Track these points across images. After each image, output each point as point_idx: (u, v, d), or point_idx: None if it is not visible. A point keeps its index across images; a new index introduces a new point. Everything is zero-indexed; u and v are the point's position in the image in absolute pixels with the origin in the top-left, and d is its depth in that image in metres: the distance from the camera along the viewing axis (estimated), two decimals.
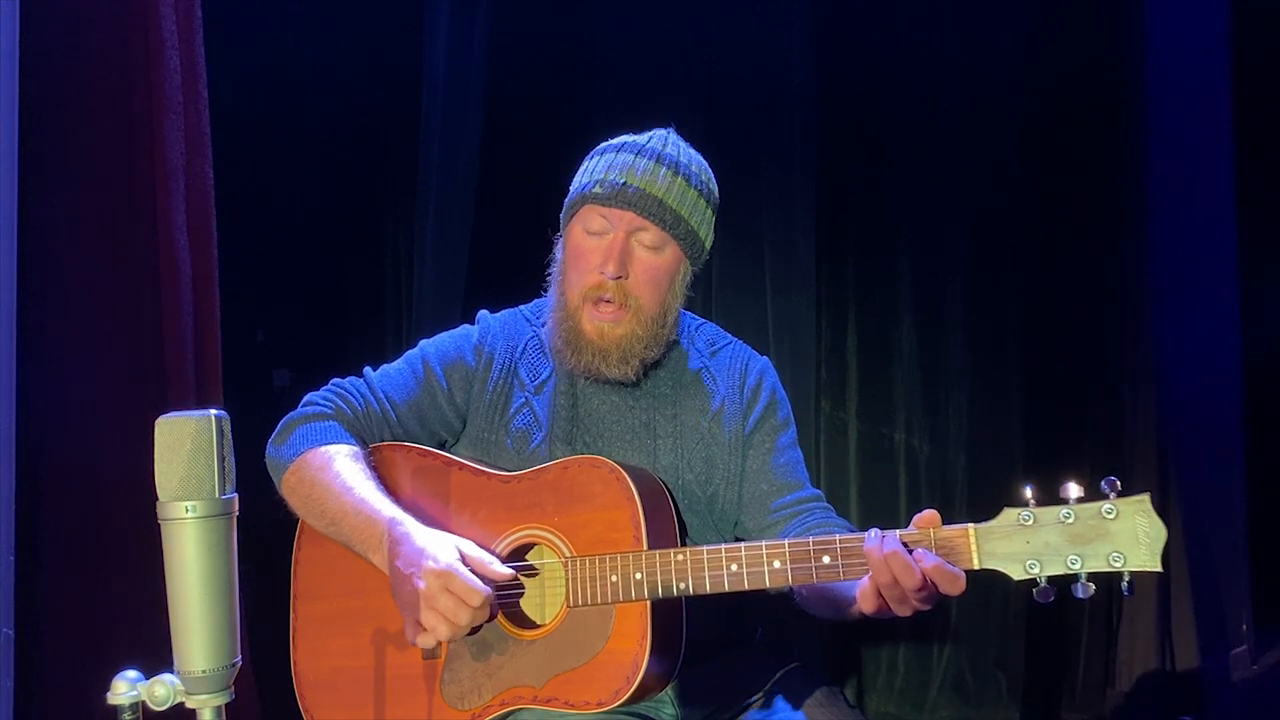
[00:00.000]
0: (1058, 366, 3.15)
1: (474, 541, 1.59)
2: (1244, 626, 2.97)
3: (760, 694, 1.72)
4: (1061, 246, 3.14)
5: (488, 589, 1.50)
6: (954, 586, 1.38)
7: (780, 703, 1.69)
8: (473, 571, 1.51)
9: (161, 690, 1.08)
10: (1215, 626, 2.96)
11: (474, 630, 1.54)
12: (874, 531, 1.42)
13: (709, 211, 1.78)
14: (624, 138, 1.80)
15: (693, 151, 1.79)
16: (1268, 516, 3.00)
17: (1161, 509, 1.35)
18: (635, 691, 1.51)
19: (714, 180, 1.80)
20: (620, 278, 1.69)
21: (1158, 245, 3.00)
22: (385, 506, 1.62)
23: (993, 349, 3.18)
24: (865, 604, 1.44)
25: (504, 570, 1.56)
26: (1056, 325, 3.15)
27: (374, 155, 3.30)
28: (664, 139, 1.77)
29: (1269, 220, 3.01)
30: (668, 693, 1.67)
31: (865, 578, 1.43)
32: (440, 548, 1.53)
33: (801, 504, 1.77)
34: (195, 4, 2.25)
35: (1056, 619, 3.15)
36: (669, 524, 1.62)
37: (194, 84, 2.25)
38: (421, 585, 1.49)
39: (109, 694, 1.08)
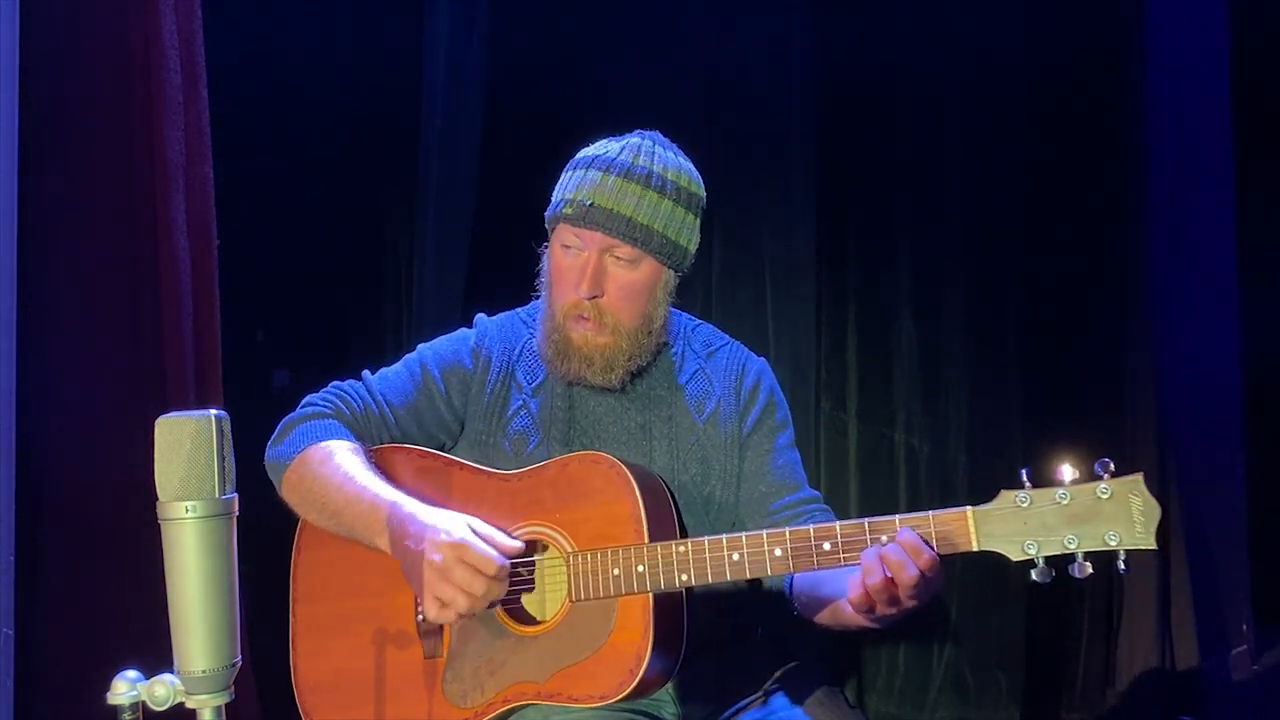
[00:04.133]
0: (1058, 367, 3.15)
1: None
2: (1244, 626, 2.96)
3: (760, 693, 1.72)
4: (1062, 246, 3.14)
5: (503, 559, 1.50)
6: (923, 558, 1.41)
7: (780, 702, 1.69)
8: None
9: (161, 690, 1.08)
10: (1215, 626, 2.95)
11: (491, 604, 1.53)
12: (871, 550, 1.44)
13: (689, 216, 1.75)
14: (598, 148, 1.77)
15: (670, 157, 1.76)
16: (1268, 516, 2.99)
17: (1162, 507, 1.37)
18: (638, 685, 1.51)
19: (696, 182, 1.77)
20: (595, 297, 1.69)
21: (1158, 244, 3.00)
22: (387, 491, 1.63)
23: (993, 349, 3.18)
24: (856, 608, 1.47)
25: (514, 543, 1.56)
26: (1056, 325, 3.15)
27: (374, 154, 3.29)
28: (636, 149, 1.74)
29: (1269, 218, 3.00)
30: (668, 691, 1.67)
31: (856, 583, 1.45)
32: (450, 521, 1.53)
33: (802, 505, 1.77)
34: (195, 4, 2.25)
35: (1057, 620, 3.15)
36: (669, 519, 1.63)
37: (194, 84, 2.24)
38: (437, 558, 1.48)
39: (109, 694, 1.08)
